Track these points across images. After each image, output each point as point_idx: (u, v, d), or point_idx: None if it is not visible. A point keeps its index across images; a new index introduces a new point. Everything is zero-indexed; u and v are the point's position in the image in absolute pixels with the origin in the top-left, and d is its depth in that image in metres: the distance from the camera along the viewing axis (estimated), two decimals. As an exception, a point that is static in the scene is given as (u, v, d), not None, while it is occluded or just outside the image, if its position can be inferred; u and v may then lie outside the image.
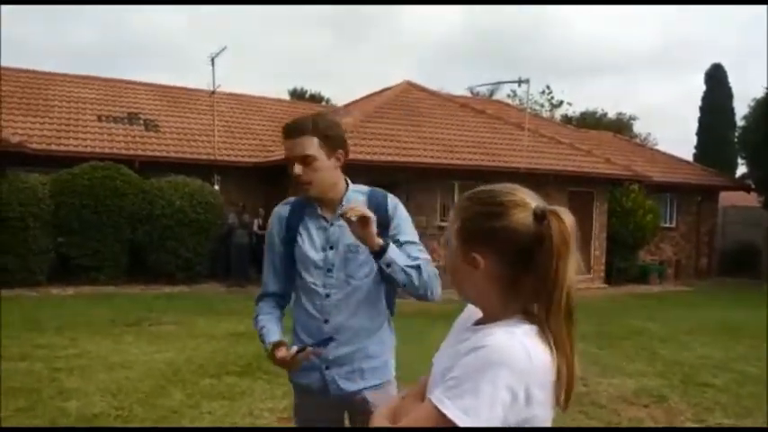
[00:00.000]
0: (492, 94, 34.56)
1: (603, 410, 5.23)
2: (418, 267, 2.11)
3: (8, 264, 11.44)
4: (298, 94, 38.42)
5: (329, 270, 2.20)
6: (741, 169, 24.06)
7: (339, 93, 58.21)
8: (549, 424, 1.20)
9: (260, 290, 2.39)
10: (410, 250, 2.18)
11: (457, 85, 46.38)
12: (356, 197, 2.24)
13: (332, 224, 2.21)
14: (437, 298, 2.20)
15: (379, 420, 1.39)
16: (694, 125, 25.92)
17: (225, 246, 13.74)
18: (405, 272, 2.08)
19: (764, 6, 31.20)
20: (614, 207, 16.17)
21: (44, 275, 12.00)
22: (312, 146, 2.13)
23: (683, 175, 19.84)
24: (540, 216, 1.19)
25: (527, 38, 61.78)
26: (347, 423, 2.41)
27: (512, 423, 1.12)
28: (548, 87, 36.64)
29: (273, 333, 2.19)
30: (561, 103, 36.92)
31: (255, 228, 13.69)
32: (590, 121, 34.18)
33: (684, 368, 6.86)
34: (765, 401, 5.50)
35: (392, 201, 2.27)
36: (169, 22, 65.35)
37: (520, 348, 1.12)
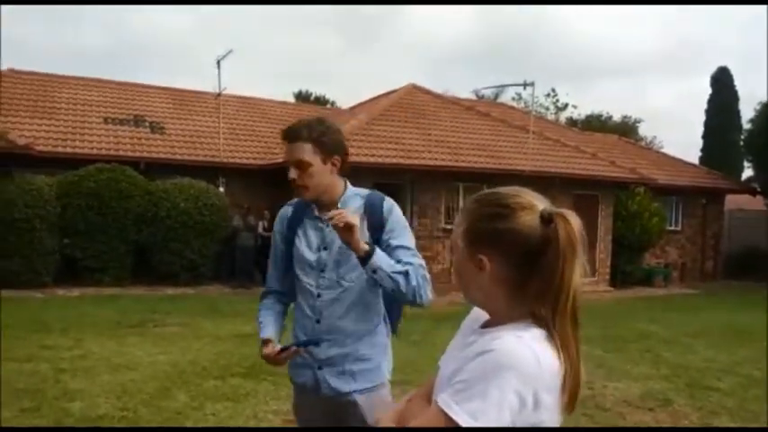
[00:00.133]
0: (497, 96, 34.55)
1: (608, 414, 5.22)
2: (406, 273, 2.14)
3: (14, 265, 11.48)
4: (303, 97, 38.48)
5: (322, 270, 2.24)
6: (747, 172, 24.02)
7: (344, 95, 58.39)
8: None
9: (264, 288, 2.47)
10: (401, 255, 2.20)
11: (462, 88, 46.39)
12: (354, 199, 2.28)
13: (327, 225, 2.23)
14: (426, 303, 2.21)
15: (385, 422, 1.38)
16: (700, 128, 25.86)
17: (230, 248, 13.76)
18: (391, 278, 2.10)
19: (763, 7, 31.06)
20: (620, 210, 16.13)
21: (50, 277, 12.03)
22: (306, 151, 2.18)
23: (688, 178, 19.78)
24: (546, 218, 1.19)
25: (532, 40, 61.81)
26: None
27: (520, 428, 1.12)
28: (553, 90, 36.66)
29: (267, 329, 2.27)
30: (566, 105, 36.93)
31: (260, 230, 13.72)
32: (595, 124, 34.14)
33: (690, 371, 6.83)
34: (771, 405, 5.48)
35: (388, 204, 2.28)
36: (175, 23, 65.60)
37: (528, 353, 1.12)
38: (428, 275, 2.22)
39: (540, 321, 1.19)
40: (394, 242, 2.21)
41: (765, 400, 5.68)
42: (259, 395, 5.37)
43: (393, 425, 1.36)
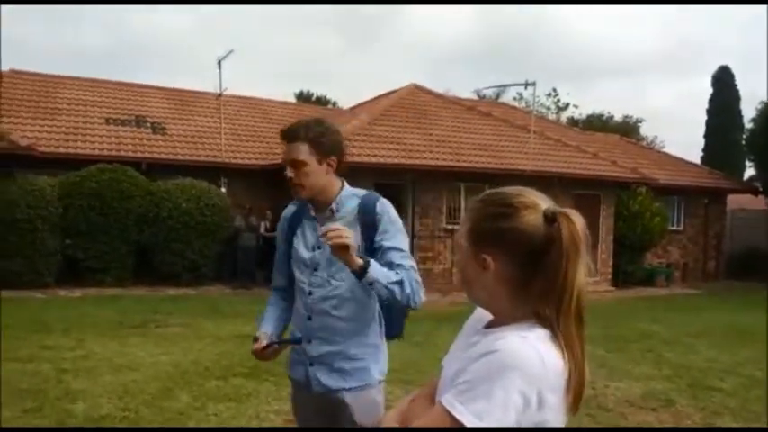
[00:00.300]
0: (498, 96, 34.55)
1: (611, 414, 5.22)
2: (400, 282, 2.16)
3: (16, 265, 11.50)
4: (304, 97, 38.49)
5: (315, 269, 2.29)
6: (749, 172, 24.00)
7: (345, 95, 58.42)
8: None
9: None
10: (393, 256, 2.22)
11: (463, 88, 46.49)
12: (350, 200, 2.31)
13: (322, 225, 2.27)
14: (419, 305, 2.25)
15: (388, 422, 1.38)
16: (701, 128, 25.85)
17: (231, 248, 13.77)
18: (387, 288, 2.14)
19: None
20: (621, 210, 16.13)
21: (51, 277, 12.05)
22: (302, 151, 2.22)
23: (690, 177, 19.76)
24: (550, 218, 1.19)
25: (532, 40, 61.79)
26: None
27: (524, 427, 1.12)
28: (554, 90, 36.65)
29: (263, 325, 2.36)
30: (567, 105, 36.92)
31: (262, 230, 13.72)
32: (596, 124, 34.13)
33: (692, 372, 6.83)
34: (773, 405, 5.47)
35: (381, 204, 2.30)
36: (175, 23, 65.65)
37: (533, 353, 1.12)
38: (419, 278, 2.25)
39: (544, 321, 1.19)
40: (387, 243, 2.23)
41: (767, 400, 5.67)
42: (261, 395, 5.37)
43: (396, 425, 1.36)
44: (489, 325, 1.29)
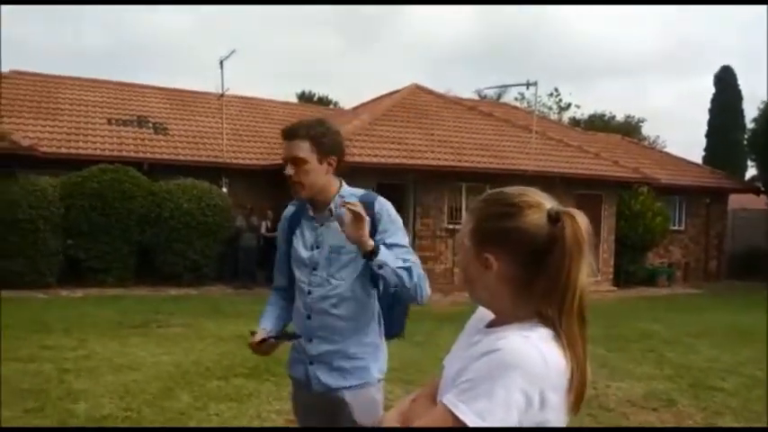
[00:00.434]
0: (500, 96, 34.55)
1: (612, 414, 5.21)
2: (409, 269, 2.17)
3: (18, 265, 11.51)
4: (306, 97, 38.51)
5: (314, 268, 2.31)
6: (751, 172, 23.97)
7: (345, 95, 58.39)
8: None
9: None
10: (397, 253, 2.22)
11: (464, 88, 46.40)
12: (349, 200, 2.28)
13: (321, 225, 2.32)
14: (426, 299, 2.26)
15: (389, 422, 1.38)
16: (703, 127, 25.83)
17: (233, 248, 13.77)
18: (396, 274, 2.13)
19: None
20: (623, 210, 16.11)
21: (53, 277, 12.06)
22: (303, 149, 2.23)
23: (691, 177, 19.75)
24: (554, 217, 1.19)
25: (533, 40, 61.75)
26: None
27: (525, 428, 1.12)
28: (556, 90, 36.61)
29: (261, 321, 2.37)
30: (569, 105, 36.89)
31: (263, 230, 13.72)
32: (598, 124, 34.11)
33: (693, 372, 6.82)
34: (775, 405, 5.46)
35: (380, 204, 2.31)
36: (176, 23, 65.70)
37: (535, 352, 1.11)
38: (424, 273, 2.26)
39: (546, 321, 1.19)
40: (388, 240, 2.24)
41: (769, 400, 5.67)
42: (262, 395, 5.37)
43: (397, 425, 1.36)
44: (491, 324, 1.29)
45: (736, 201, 21.50)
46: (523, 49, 60.60)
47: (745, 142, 21.94)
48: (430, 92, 18.47)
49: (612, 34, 64.15)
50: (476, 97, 28.89)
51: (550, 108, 36.16)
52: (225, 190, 14.36)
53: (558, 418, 1.16)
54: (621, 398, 5.68)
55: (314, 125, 2.29)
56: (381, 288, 2.33)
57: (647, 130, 38.56)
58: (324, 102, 38.09)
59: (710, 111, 25.34)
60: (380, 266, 2.11)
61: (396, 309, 2.42)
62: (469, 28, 63.37)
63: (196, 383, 5.70)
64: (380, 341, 2.40)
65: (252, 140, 16.63)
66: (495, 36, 62.49)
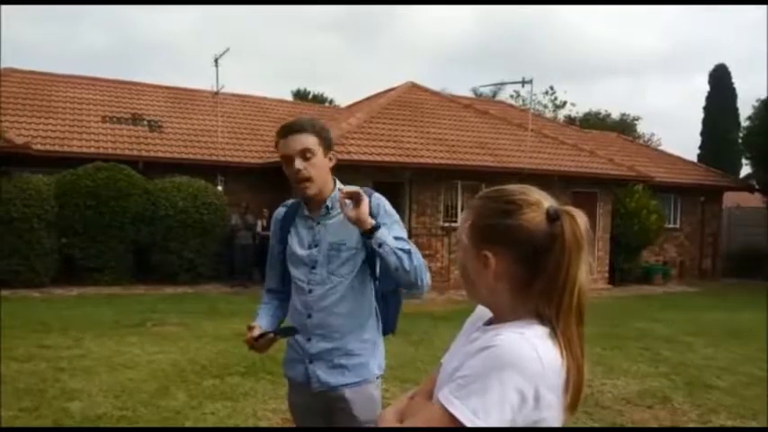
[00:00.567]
0: (495, 94, 34.56)
1: (607, 411, 5.22)
2: (409, 252, 2.17)
3: (12, 264, 11.48)
4: (301, 95, 38.45)
5: (313, 267, 2.30)
6: (745, 170, 24.02)
7: (343, 94, 58.36)
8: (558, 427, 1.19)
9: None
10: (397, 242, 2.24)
11: (460, 86, 46.46)
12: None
13: (318, 223, 2.32)
14: (426, 288, 2.25)
15: (386, 420, 1.38)
16: (699, 126, 25.91)
17: (228, 247, 13.75)
18: (396, 254, 2.13)
19: (764, 7, 31.08)
20: (618, 208, 16.13)
21: (48, 276, 12.02)
22: (312, 142, 2.23)
23: (687, 175, 19.79)
24: (553, 216, 1.19)
25: (531, 40, 61.77)
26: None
27: (519, 425, 1.11)
28: (551, 88, 36.68)
29: (256, 319, 2.34)
30: (564, 103, 36.93)
31: (259, 228, 13.69)
32: (593, 122, 34.13)
33: (689, 369, 6.84)
34: (770, 403, 5.48)
35: (375, 199, 2.31)
36: (176, 23, 65.53)
37: (530, 350, 1.11)
38: (424, 261, 2.26)
39: (544, 319, 1.18)
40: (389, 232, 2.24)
41: (765, 398, 5.68)
42: (258, 394, 5.37)
43: (394, 423, 1.35)
44: (490, 322, 1.29)
45: (730, 199, 21.57)
46: (522, 49, 60.63)
47: (740, 140, 21.98)
48: (425, 90, 18.46)
49: (610, 33, 64.36)
50: (471, 95, 28.90)
51: (546, 106, 36.23)
52: (220, 188, 14.33)
53: (554, 417, 1.15)
54: (617, 395, 5.70)
55: (315, 121, 2.31)
56: (378, 281, 2.35)
57: (641, 127, 38.64)
58: (319, 100, 38.05)
59: (705, 109, 25.41)
60: (380, 245, 2.11)
61: (390, 305, 2.42)
62: (468, 27, 63.47)
63: (192, 382, 5.69)
64: (379, 337, 2.40)
65: (248, 138, 16.58)
66: (493, 36, 62.56)
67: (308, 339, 2.30)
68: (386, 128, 14.81)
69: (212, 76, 16.99)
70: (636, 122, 38.05)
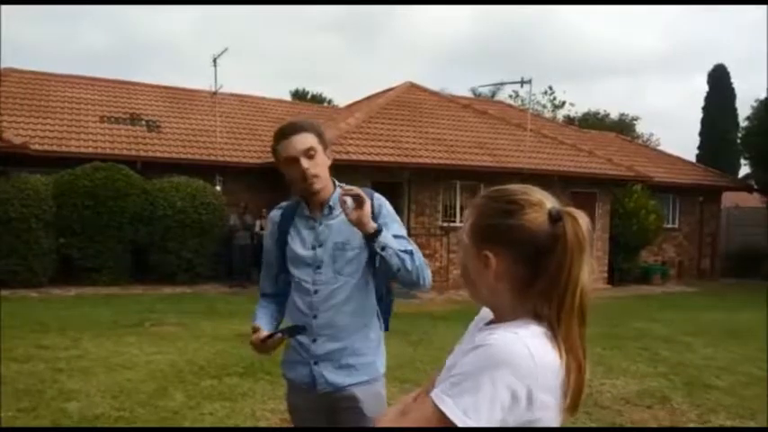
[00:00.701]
0: (494, 94, 34.57)
1: (606, 411, 5.21)
2: (411, 253, 2.19)
3: (10, 264, 11.45)
4: (299, 95, 38.42)
5: (318, 267, 2.28)
6: (744, 170, 24.05)
7: (342, 94, 58.36)
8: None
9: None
10: (398, 243, 2.24)
11: (460, 86, 46.47)
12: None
13: (320, 223, 2.30)
14: (428, 286, 2.27)
15: (384, 421, 1.37)
16: (697, 126, 25.92)
17: (227, 247, 13.73)
18: (398, 256, 2.15)
19: (764, 7, 31.11)
20: (617, 208, 16.13)
21: (46, 276, 11.99)
22: (314, 142, 2.25)
23: (685, 175, 19.80)
24: (555, 216, 1.18)
25: (531, 40, 61.79)
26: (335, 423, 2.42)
27: (511, 425, 1.10)
28: (550, 88, 36.66)
29: (256, 321, 2.31)
30: (563, 103, 36.93)
31: (258, 229, 13.66)
32: (592, 122, 34.13)
33: (688, 369, 6.83)
34: (769, 403, 5.48)
35: (377, 199, 2.31)
36: (175, 23, 65.49)
37: (522, 349, 1.10)
38: (425, 260, 2.29)
39: (543, 320, 1.18)
40: (389, 232, 2.23)
41: (765, 398, 5.67)
42: (256, 394, 5.35)
43: (395, 424, 1.34)
44: (491, 323, 1.28)
45: (729, 199, 21.58)
46: (522, 49, 60.59)
47: (739, 140, 22.00)
48: (424, 90, 18.45)
49: (610, 33, 64.41)
50: (470, 95, 28.90)
51: (544, 106, 36.23)
52: (219, 188, 14.31)
53: (550, 417, 1.14)
54: (616, 395, 5.69)
55: (313, 121, 2.34)
56: (377, 279, 2.34)
57: (640, 127, 38.65)
58: (317, 100, 38.04)
59: (704, 109, 25.43)
60: (383, 248, 2.12)
61: (383, 303, 2.41)
62: (467, 27, 63.46)
63: (190, 383, 5.67)
64: (381, 336, 2.40)
65: (246, 138, 16.56)
66: (492, 36, 62.55)
67: (314, 340, 2.27)
68: (384, 128, 14.80)
69: (212, 75, 16.98)
70: (635, 122, 38.09)
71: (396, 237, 2.22)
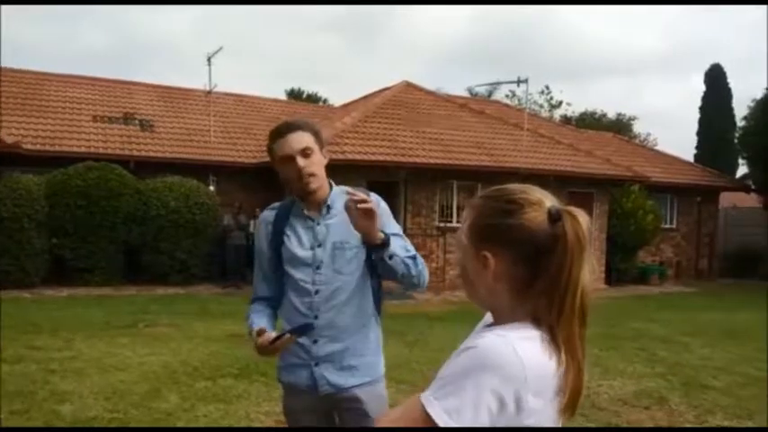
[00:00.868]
0: (491, 94, 34.58)
1: (604, 412, 5.20)
2: (414, 257, 2.21)
3: (2, 265, 11.37)
4: (295, 95, 38.39)
5: (318, 267, 2.25)
6: (742, 170, 24.10)
7: (338, 94, 58.37)
8: None
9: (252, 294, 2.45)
10: (398, 243, 2.24)
11: (457, 85, 46.44)
12: (341, 197, 2.27)
13: (318, 223, 2.28)
14: (426, 285, 2.30)
15: (386, 421, 1.34)
16: (695, 126, 25.97)
17: (221, 247, 13.66)
18: (404, 263, 2.16)
19: (764, 7, 31.18)
20: (614, 208, 16.13)
21: (39, 277, 11.92)
22: (310, 141, 2.23)
23: (683, 175, 19.82)
24: (554, 216, 1.16)
25: (530, 39, 61.89)
26: (337, 425, 2.39)
27: (510, 427, 1.08)
28: (546, 88, 36.74)
29: (255, 321, 2.24)
30: (560, 103, 36.97)
31: (252, 229, 13.60)
32: (589, 122, 34.17)
33: (685, 370, 6.83)
34: (767, 404, 5.45)
35: (373, 197, 2.26)
36: (175, 24, 65.46)
37: (509, 352, 1.07)
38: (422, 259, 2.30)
39: (543, 322, 1.15)
40: (387, 231, 2.21)
41: (762, 398, 5.66)
42: (251, 396, 5.32)
43: (387, 425, 1.31)
44: (491, 326, 1.25)
45: (727, 199, 21.61)
46: (522, 49, 60.60)
47: (736, 140, 22.03)
48: (420, 89, 18.43)
49: (609, 33, 64.50)
50: (467, 95, 28.89)
51: (541, 106, 36.27)
52: (212, 188, 14.24)
53: (543, 421, 1.11)
54: (613, 396, 5.67)
55: (309, 120, 2.34)
56: (373, 278, 2.32)
57: (638, 127, 38.72)
58: (313, 99, 38.02)
59: (701, 109, 25.47)
60: (391, 257, 2.11)
61: (375, 297, 2.38)
62: (465, 27, 63.53)
63: (184, 384, 5.63)
64: (380, 336, 2.38)
65: (241, 138, 16.50)
66: (493, 36, 62.65)
67: (315, 342, 2.23)
68: (381, 127, 14.76)
69: (205, 74, 16.95)
70: (632, 122, 38.16)
71: (395, 236, 2.21)
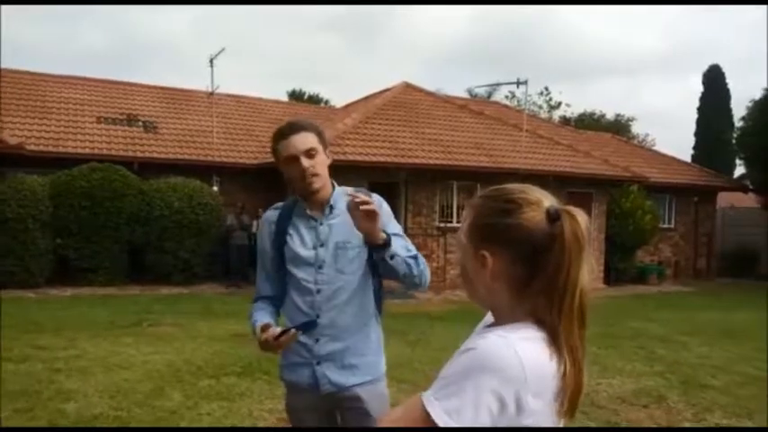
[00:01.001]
0: (490, 95, 34.59)
1: (603, 411, 5.23)
2: (416, 257, 2.22)
3: (7, 265, 11.42)
4: (296, 96, 38.41)
5: (320, 267, 2.27)
6: (739, 170, 24.13)
7: (339, 95, 58.35)
8: None
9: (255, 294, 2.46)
10: (400, 243, 2.25)
11: (457, 86, 46.43)
12: (342, 198, 2.29)
13: (321, 223, 2.30)
14: (428, 285, 2.31)
15: (387, 421, 1.37)
16: (693, 126, 25.97)
17: (224, 247, 13.72)
18: (406, 263, 2.17)
19: (764, 7, 31.20)
20: (613, 208, 16.16)
21: (43, 277, 11.97)
22: (314, 141, 2.25)
23: (681, 175, 19.84)
24: (553, 215, 1.17)
25: (530, 39, 61.85)
26: (339, 424, 2.41)
27: (509, 426, 1.09)
28: (546, 89, 36.70)
29: (259, 318, 2.26)
30: (559, 104, 36.97)
31: (254, 229, 13.64)
32: (588, 123, 34.17)
33: (684, 369, 6.86)
34: (766, 402, 5.50)
35: (375, 198, 2.29)
36: (175, 24, 65.42)
37: (510, 354, 1.08)
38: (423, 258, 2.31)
39: (541, 322, 1.16)
40: (388, 231, 2.23)
41: (760, 397, 5.70)
42: (254, 394, 5.36)
43: (390, 424, 1.35)
44: (491, 326, 1.26)
45: (724, 199, 21.63)
46: (522, 49, 60.59)
47: (734, 141, 22.07)
48: (420, 90, 18.46)
49: (608, 34, 64.44)
50: (466, 96, 28.92)
51: (540, 107, 36.27)
52: (216, 188, 14.29)
53: (543, 422, 1.13)
54: (612, 395, 5.71)
55: (313, 121, 2.35)
56: (375, 277, 2.34)
57: (636, 128, 38.74)
58: (314, 100, 38.04)
59: (699, 109, 25.49)
60: (392, 257, 2.12)
61: (376, 296, 2.40)
62: (468, 28, 63.49)
63: (187, 383, 5.67)
64: (381, 336, 2.40)
65: (243, 139, 16.56)
66: (493, 36, 62.62)
67: (317, 340, 2.25)
68: (381, 128, 14.81)
69: (208, 75, 16.98)
70: (630, 123, 38.19)
71: (396, 235, 2.23)
